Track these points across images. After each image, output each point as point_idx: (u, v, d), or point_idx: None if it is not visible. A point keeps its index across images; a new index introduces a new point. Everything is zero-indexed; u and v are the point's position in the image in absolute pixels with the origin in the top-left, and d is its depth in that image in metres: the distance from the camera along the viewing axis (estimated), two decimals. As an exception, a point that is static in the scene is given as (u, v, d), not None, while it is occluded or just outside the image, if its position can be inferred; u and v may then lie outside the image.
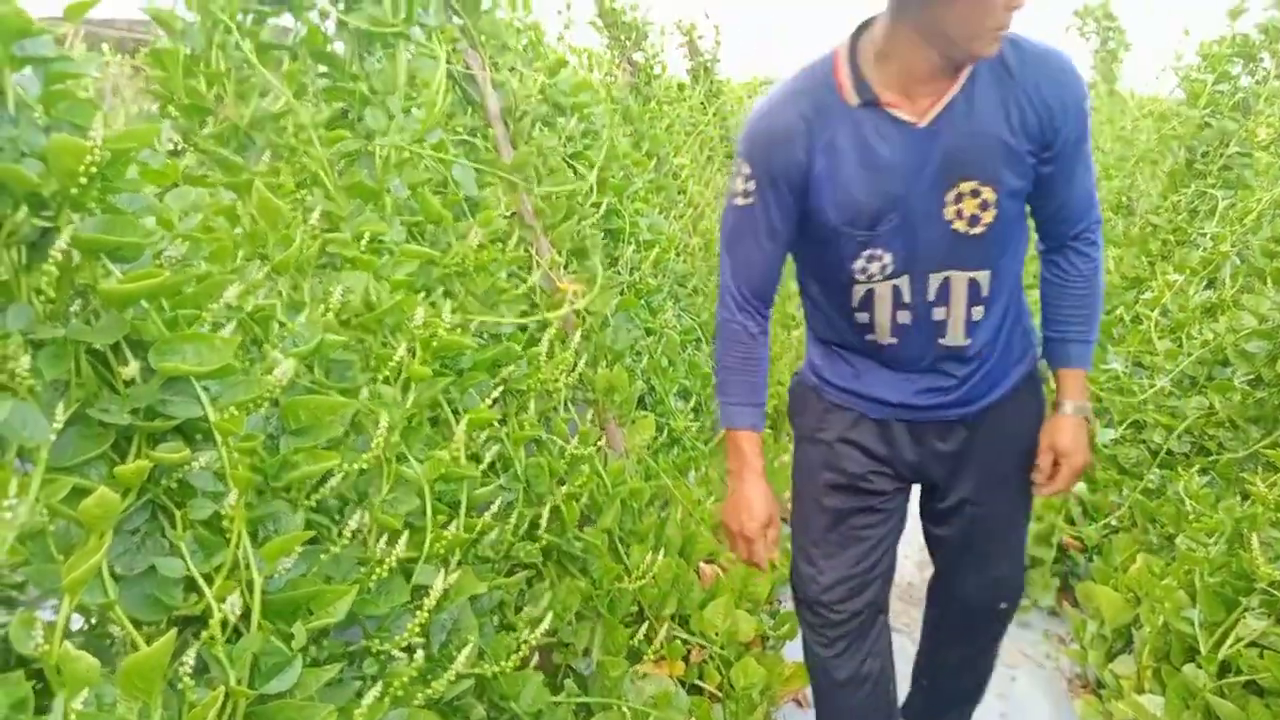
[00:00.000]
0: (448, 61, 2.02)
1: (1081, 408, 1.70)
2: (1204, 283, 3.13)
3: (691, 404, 3.29)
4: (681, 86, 5.70)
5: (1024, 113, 1.45)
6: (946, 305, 1.56)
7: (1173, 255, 3.16)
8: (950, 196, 1.47)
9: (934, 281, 1.54)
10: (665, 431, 2.84)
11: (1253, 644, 2.02)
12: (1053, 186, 1.54)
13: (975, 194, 1.47)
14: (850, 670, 1.84)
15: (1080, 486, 3.18)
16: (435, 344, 1.45)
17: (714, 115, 6.10)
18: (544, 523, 1.75)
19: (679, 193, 4.42)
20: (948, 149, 1.45)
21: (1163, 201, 3.48)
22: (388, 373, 1.40)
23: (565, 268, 2.25)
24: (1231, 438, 2.66)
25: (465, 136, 2.23)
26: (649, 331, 3.01)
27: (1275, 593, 1.97)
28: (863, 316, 1.60)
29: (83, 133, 0.94)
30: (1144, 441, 3.00)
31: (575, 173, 2.59)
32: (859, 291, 1.57)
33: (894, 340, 1.61)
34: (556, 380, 2.01)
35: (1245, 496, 2.34)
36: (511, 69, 2.25)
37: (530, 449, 1.96)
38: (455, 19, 2.08)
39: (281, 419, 1.24)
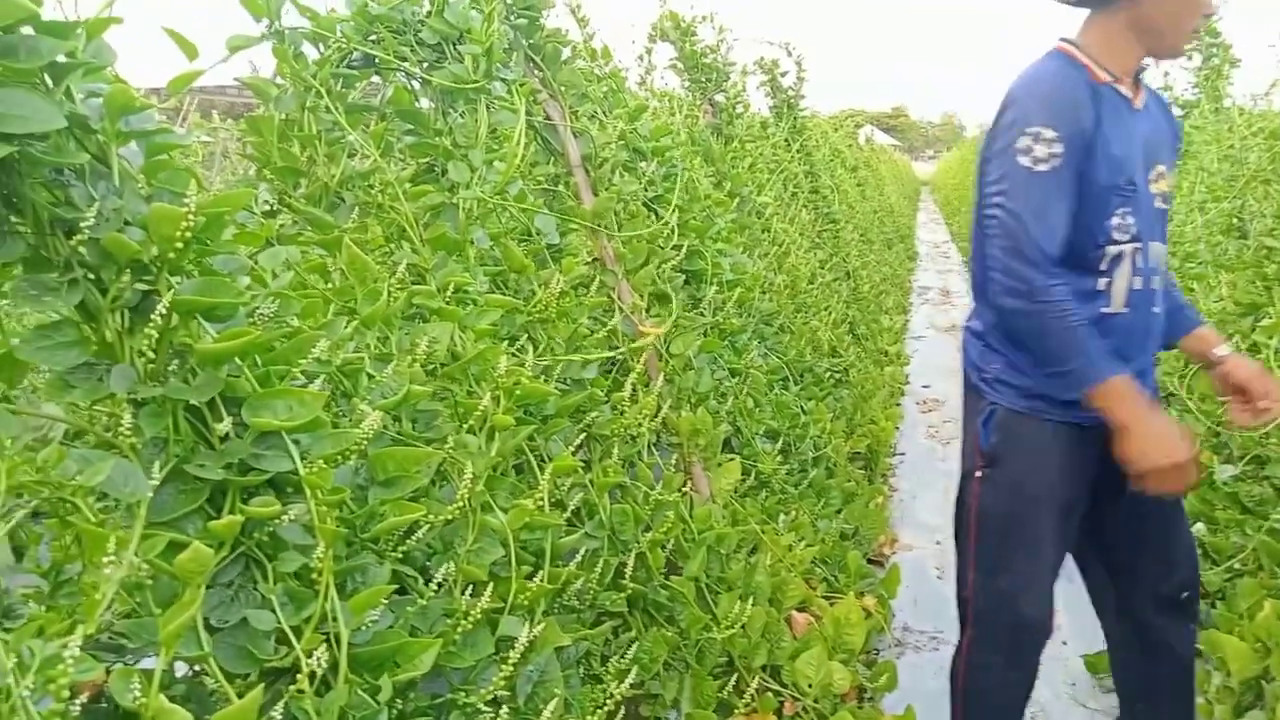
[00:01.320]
0: (528, 113, 2.06)
1: None
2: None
3: (779, 445, 3.24)
4: (764, 125, 5.71)
5: (1169, 118, 1.84)
6: (1158, 274, 1.78)
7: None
8: (1152, 175, 1.74)
9: (1152, 250, 1.74)
10: (753, 474, 2.79)
11: (1398, 702, 1.87)
12: None
13: (1161, 176, 1.77)
14: (1027, 693, 1.97)
15: (1199, 527, 3.01)
16: (519, 392, 1.46)
17: (798, 152, 6.09)
18: (629, 571, 1.73)
19: (763, 231, 4.40)
20: (1146, 134, 1.73)
21: (1278, 224, 3.30)
22: (473, 422, 1.41)
23: (647, 311, 2.25)
24: (1363, 476, 2.48)
25: (547, 185, 2.26)
26: (734, 373, 2.98)
27: None
28: (1103, 282, 1.72)
29: (180, 200, 0.98)
30: (1267, 478, 2.83)
31: (656, 216, 2.60)
32: (1109, 254, 1.70)
33: (1125, 310, 1.74)
34: (640, 425, 2.00)
35: (1382, 540, 2.18)
36: (591, 117, 2.28)
37: (615, 495, 1.95)
38: (535, 71, 2.12)
39: (369, 470, 1.26)
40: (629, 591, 1.74)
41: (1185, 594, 1.98)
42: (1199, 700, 2.49)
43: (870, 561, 3.59)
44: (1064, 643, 3.00)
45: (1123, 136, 1.67)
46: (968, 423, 1.96)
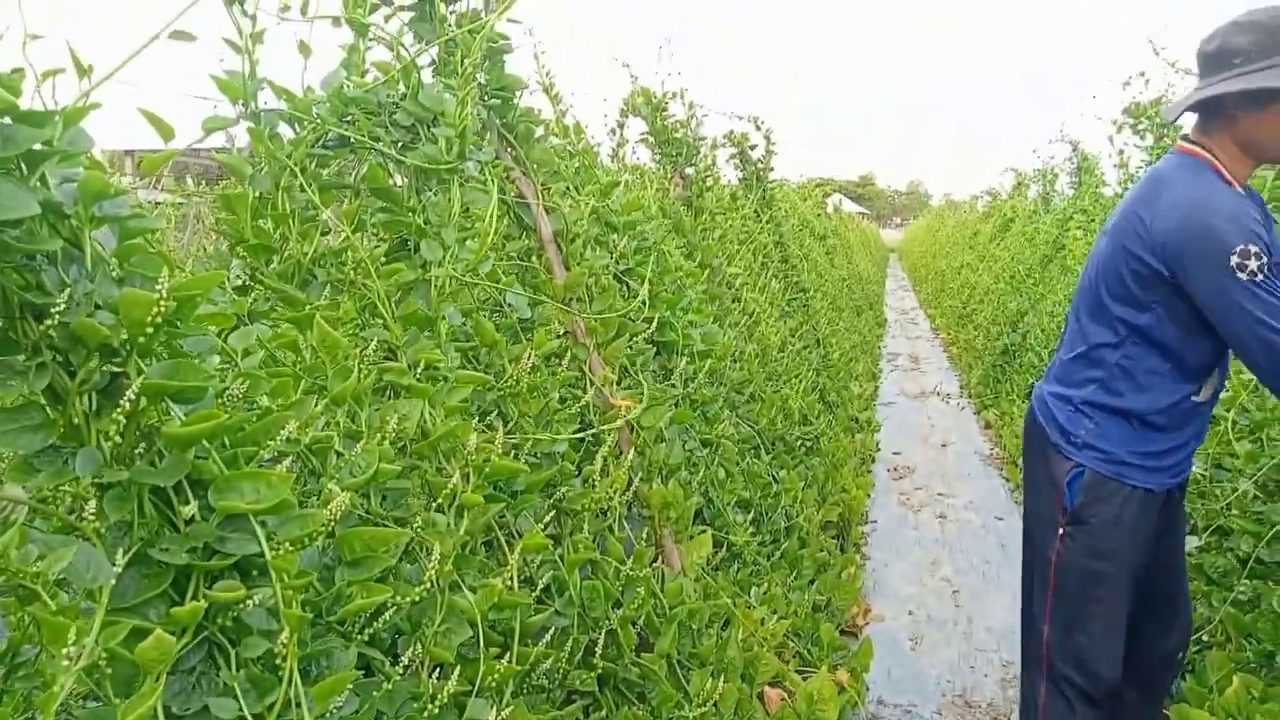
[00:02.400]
0: (501, 190, 2.10)
1: None
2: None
3: (751, 515, 3.24)
4: (734, 196, 5.81)
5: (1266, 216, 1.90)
6: (1225, 364, 2.00)
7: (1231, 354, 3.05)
8: None
9: None
10: (724, 546, 2.78)
11: (1367, 776, 1.87)
12: None
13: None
14: None
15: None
16: (488, 469, 1.46)
17: (767, 222, 6.20)
18: (599, 649, 1.71)
19: (733, 301, 4.45)
20: (1274, 228, 1.84)
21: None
22: (442, 500, 1.41)
23: (618, 384, 2.27)
24: (1324, 545, 2.51)
25: (520, 260, 2.29)
26: (705, 443, 2.99)
27: (1387, 719, 1.82)
28: (1207, 376, 1.95)
29: (152, 284, 0.99)
30: (1231, 549, 2.86)
31: (627, 289, 2.63)
32: (1219, 353, 1.92)
33: (1206, 400, 1.97)
34: (611, 498, 2.00)
35: (1345, 610, 2.20)
36: (563, 194, 2.32)
37: (585, 571, 1.94)
38: (509, 149, 2.16)
39: (337, 550, 1.25)
40: (599, 670, 1.71)
41: (1180, 653, 2.25)
42: (1173, 775, 2.49)
43: (843, 633, 3.56)
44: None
45: (1264, 238, 1.78)
46: (1043, 479, 2.10)
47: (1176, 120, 1.92)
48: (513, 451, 1.76)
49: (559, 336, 2.25)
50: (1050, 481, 2.06)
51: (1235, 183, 1.83)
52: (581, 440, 2.20)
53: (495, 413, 1.75)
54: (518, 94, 2.11)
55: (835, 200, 18.12)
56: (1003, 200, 11.44)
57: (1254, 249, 1.68)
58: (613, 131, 4.54)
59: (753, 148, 6.12)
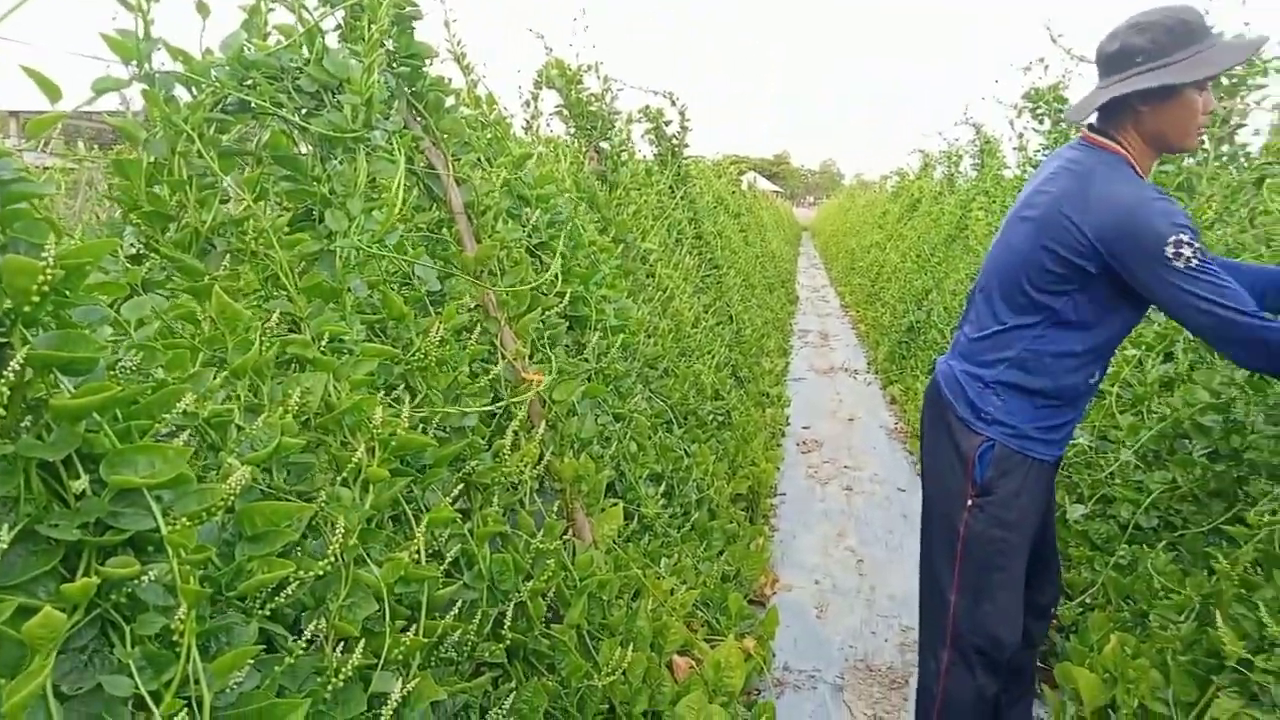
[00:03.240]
0: (410, 160, 2.07)
1: None
2: (1161, 357, 3.19)
3: (663, 489, 3.28)
4: (649, 171, 5.82)
5: None
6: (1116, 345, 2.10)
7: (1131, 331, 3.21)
8: None
9: None
10: (636, 519, 2.82)
11: (1226, 724, 2.01)
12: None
13: None
14: (999, 695, 2.22)
15: (1052, 563, 3.18)
16: (394, 443, 1.45)
17: (682, 198, 6.23)
18: (508, 621, 1.72)
19: (648, 276, 4.48)
20: None
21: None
22: (346, 474, 1.39)
23: (530, 358, 2.27)
24: (1195, 512, 2.68)
25: (430, 232, 2.26)
26: (618, 417, 3.01)
27: (1245, 671, 1.97)
28: (1109, 358, 2.10)
29: (37, 251, 0.95)
30: (1113, 517, 3.02)
31: (540, 263, 2.62)
32: (1118, 336, 2.07)
33: (1097, 377, 2.08)
34: (522, 472, 2.00)
35: (1212, 572, 2.35)
36: (474, 165, 2.30)
37: (495, 544, 1.94)
38: (418, 119, 2.13)
39: (237, 526, 1.23)
40: (508, 641, 1.73)
41: (1053, 606, 2.41)
42: (1056, 731, 2.63)
43: (752, 602, 3.65)
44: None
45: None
46: (950, 454, 2.17)
47: (1084, 119, 1.99)
48: (421, 425, 1.75)
49: (470, 310, 2.24)
50: (958, 456, 2.12)
51: (1144, 175, 1.94)
52: (493, 414, 2.19)
53: (403, 386, 1.73)
54: (427, 62, 2.08)
55: (750, 178, 18.30)
56: (910, 181, 11.72)
57: (1185, 237, 1.78)
58: (527, 103, 4.50)
59: (668, 124, 6.13)
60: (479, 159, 2.36)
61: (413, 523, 1.55)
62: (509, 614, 1.79)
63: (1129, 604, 2.70)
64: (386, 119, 1.84)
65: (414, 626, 1.47)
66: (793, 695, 3.05)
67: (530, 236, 2.59)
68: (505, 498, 1.99)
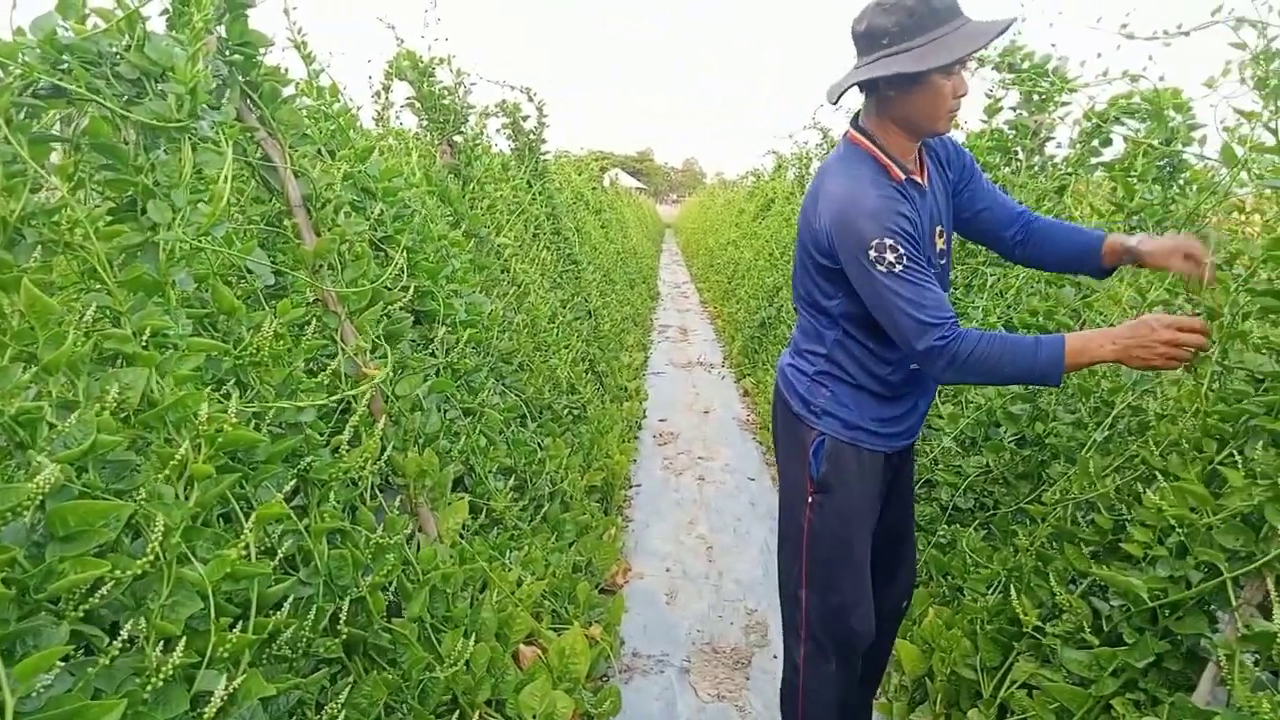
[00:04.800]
0: (243, 151, 2.02)
1: None
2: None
3: (514, 482, 3.31)
4: (505, 166, 5.81)
5: (942, 169, 2.03)
6: None
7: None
8: (937, 239, 1.99)
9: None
10: (484, 512, 2.83)
11: (1024, 685, 2.21)
12: (986, 195, 2.11)
13: (940, 235, 2.01)
14: (856, 685, 2.25)
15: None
16: (221, 439, 1.43)
17: (539, 194, 6.25)
18: (345, 616, 1.72)
19: (502, 271, 4.48)
20: (931, 208, 1.96)
21: (942, 277, 3.81)
22: (169, 471, 1.36)
23: (372, 353, 2.25)
24: (1005, 493, 2.91)
25: (268, 225, 2.22)
26: (468, 412, 3.02)
27: (1039, 636, 2.16)
28: None
29: None
30: (936, 499, 3.24)
31: (386, 257, 2.60)
32: None
33: (915, 367, 2.03)
34: (362, 468, 2.00)
35: (1016, 548, 2.57)
36: (314, 156, 2.26)
37: (334, 540, 1.93)
38: (253, 109, 2.08)
39: (48, 526, 1.19)
40: (345, 636, 1.72)
41: (905, 601, 2.39)
42: (882, 699, 2.81)
43: (604, 591, 3.72)
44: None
45: (919, 223, 1.87)
46: (789, 450, 2.17)
47: (838, 102, 1.92)
48: (253, 421, 1.72)
49: (309, 304, 2.21)
50: (798, 452, 2.12)
51: (893, 166, 1.88)
52: (333, 410, 2.17)
53: (234, 382, 1.70)
54: (262, 51, 2.03)
55: (612, 174, 18.45)
56: (765, 182, 12.08)
57: (889, 241, 1.76)
58: (377, 95, 4.42)
59: (525, 118, 6.13)
60: (319, 151, 2.32)
61: (243, 520, 1.53)
62: (345, 609, 1.79)
63: (947, 580, 2.91)
64: (216, 109, 1.80)
65: (243, 624, 1.46)
66: (641, 679, 3.14)
67: (374, 230, 2.57)
68: (345, 494, 1.98)
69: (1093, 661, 1.96)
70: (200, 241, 1.56)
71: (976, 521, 2.93)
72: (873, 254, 1.78)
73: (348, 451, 1.97)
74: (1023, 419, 2.86)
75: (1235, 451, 1.77)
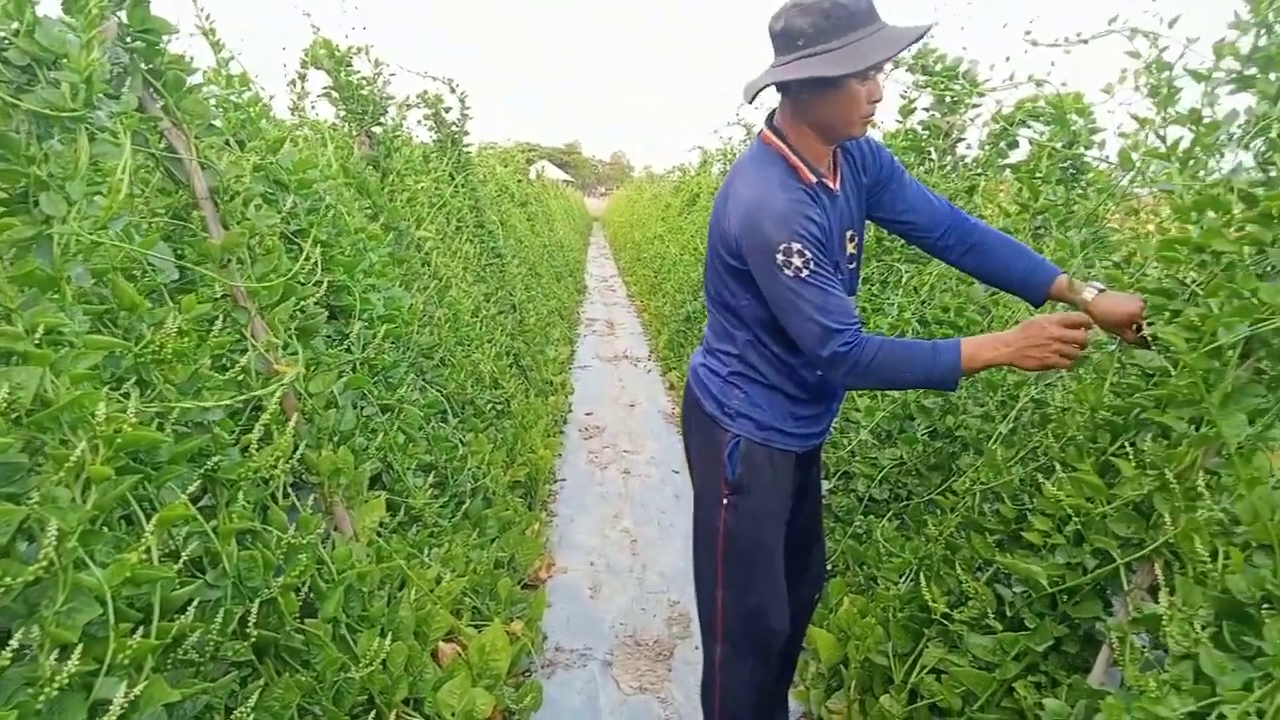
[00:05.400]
0: (145, 143, 1.96)
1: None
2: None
3: (435, 479, 3.27)
4: (427, 158, 5.73)
5: (857, 172, 2.02)
6: None
7: (868, 322, 3.54)
8: (847, 244, 2.00)
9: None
10: (404, 510, 2.80)
11: (934, 670, 2.28)
12: (908, 198, 2.08)
13: (852, 239, 2.02)
14: (775, 684, 2.29)
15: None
16: (121, 440, 1.39)
17: (462, 186, 6.18)
18: (254, 618, 1.68)
19: (423, 265, 4.42)
20: (843, 211, 1.97)
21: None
22: (64, 473, 1.32)
23: (285, 349, 2.20)
24: (918, 484, 2.99)
25: (174, 218, 2.15)
26: (385, 408, 2.98)
27: (947, 623, 2.23)
28: None
29: None
30: (853, 490, 3.31)
31: (299, 250, 2.55)
32: None
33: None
34: (273, 466, 1.95)
35: (927, 538, 2.64)
36: (221, 147, 2.20)
37: (245, 541, 1.89)
38: (156, 98, 2.01)
39: (-70, 533, 1.14)
40: (255, 639, 1.69)
41: (816, 595, 2.43)
42: (799, 687, 2.86)
43: (527, 586, 3.72)
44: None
45: (829, 227, 1.87)
46: (703, 451, 2.15)
47: (753, 101, 1.88)
48: (156, 421, 1.67)
49: (218, 299, 2.15)
50: (712, 453, 2.10)
51: (804, 168, 1.87)
52: (243, 408, 2.12)
53: (135, 380, 1.64)
54: (165, 38, 1.97)
55: (539, 167, 18.32)
56: (691, 177, 12.15)
57: (797, 246, 1.75)
58: (292, 83, 4.32)
59: (447, 110, 6.06)
60: (227, 141, 2.26)
61: (144, 523, 1.48)
62: (257, 611, 1.75)
63: (862, 569, 2.98)
64: (115, 98, 1.74)
65: (146, 629, 1.42)
66: (564, 673, 3.15)
67: (287, 223, 2.51)
68: (255, 493, 1.94)
69: (996, 646, 2.04)
70: (98, 236, 1.50)
71: (891, 512, 3.00)
72: (780, 258, 1.77)
73: (258, 450, 1.93)
74: (935, 412, 2.95)
75: (1127, 443, 1.85)
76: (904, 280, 3.68)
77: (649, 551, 4.31)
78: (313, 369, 2.31)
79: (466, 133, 6.26)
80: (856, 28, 1.75)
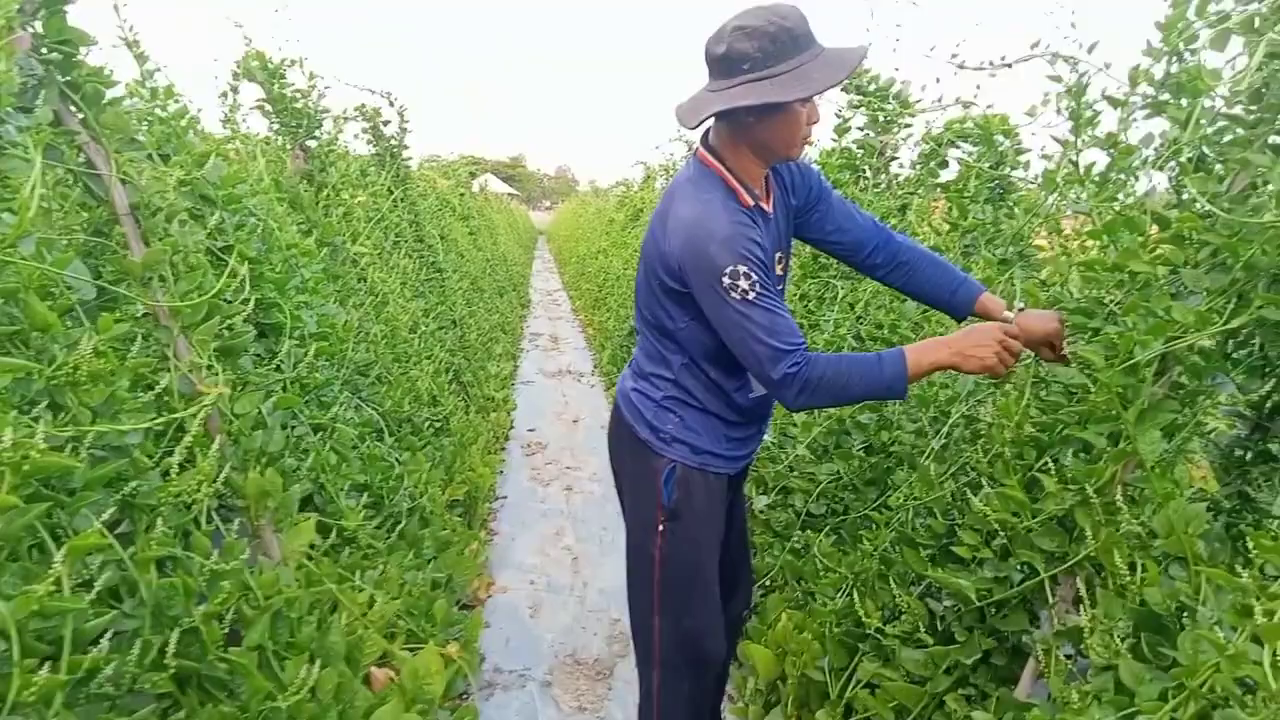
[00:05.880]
0: (60, 158, 1.90)
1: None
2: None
3: (370, 499, 3.22)
4: (365, 171, 5.66)
5: (787, 194, 2.05)
6: None
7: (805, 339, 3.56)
8: (777, 264, 1.99)
9: None
10: (336, 532, 2.74)
11: (868, 685, 2.29)
12: (836, 218, 2.12)
13: (780, 260, 2.02)
14: (712, 704, 2.34)
15: (741, 551, 3.46)
16: (28, 466, 1.34)
17: (401, 200, 6.12)
18: (172, 648, 1.63)
19: (359, 280, 4.36)
20: (775, 234, 1.98)
21: (794, 290, 3.94)
22: (-35, 503, 1.26)
23: (209, 369, 2.15)
24: (854, 499, 3.02)
25: (91, 235, 2.09)
26: (317, 428, 2.92)
27: (880, 637, 2.25)
28: (749, 376, 2.03)
29: None
30: (791, 506, 3.33)
31: (228, 267, 2.49)
32: None
33: (760, 391, 2.06)
34: (196, 490, 1.90)
35: (863, 553, 2.67)
36: (144, 161, 2.14)
37: (167, 568, 1.83)
38: (75, 112, 1.96)
39: None
40: (174, 669, 1.63)
41: (745, 610, 2.45)
42: (739, 704, 2.87)
43: (466, 607, 3.67)
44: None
45: (766, 248, 1.86)
46: (636, 478, 2.13)
47: (696, 127, 1.86)
48: (71, 446, 1.62)
49: (139, 318, 2.09)
50: (647, 480, 2.08)
51: (742, 191, 1.88)
52: (165, 431, 2.06)
53: (45, 404, 1.59)
54: (82, 50, 1.91)
55: (482, 180, 18.22)
56: (634, 192, 12.20)
57: (743, 269, 1.75)
58: (224, 95, 4.23)
59: (386, 123, 6.00)
60: (150, 156, 2.20)
61: (54, 552, 1.43)
62: (179, 640, 1.69)
63: (800, 584, 3.00)
64: (28, 111, 1.68)
65: (55, 663, 1.36)
66: (502, 694, 3.11)
67: (214, 239, 2.46)
68: (177, 518, 1.88)
69: (928, 660, 2.06)
70: (5, 255, 1.45)
71: (828, 527, 3.03)
72: (726, 281, 1.76)
73: (180, 474, 1.87)
74: (870, 427, 2.98)
75: (1050, 459, 1.90)
76: (840, 297, 3.72)
77: (590, 569, 4.28)
78: (239, 389, 2.25)
79: (406, 146, 6.21)
80: (800, 51, 1.77)
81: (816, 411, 3.40)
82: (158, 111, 2.52)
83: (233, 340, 2.29)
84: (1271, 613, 1.27)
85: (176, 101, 2.64)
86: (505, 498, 5.24)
